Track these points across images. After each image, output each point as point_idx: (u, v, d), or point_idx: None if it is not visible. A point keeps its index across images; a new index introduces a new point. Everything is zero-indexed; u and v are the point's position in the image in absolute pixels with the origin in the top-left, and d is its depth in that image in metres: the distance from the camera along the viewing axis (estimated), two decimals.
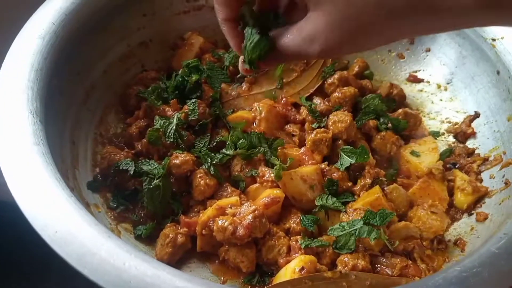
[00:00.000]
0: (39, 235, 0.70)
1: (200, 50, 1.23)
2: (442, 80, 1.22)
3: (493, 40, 1.07)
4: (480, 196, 1.00)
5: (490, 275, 0.70)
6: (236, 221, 0.89)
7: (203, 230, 0.92)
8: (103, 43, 1.11)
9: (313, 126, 1.08)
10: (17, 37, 0.94)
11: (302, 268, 0.84)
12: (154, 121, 1.05)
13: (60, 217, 0.71)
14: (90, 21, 1.05)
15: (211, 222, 0.91)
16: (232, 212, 0.91)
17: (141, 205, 1.00)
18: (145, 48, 1.21)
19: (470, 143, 1.12)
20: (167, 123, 1.03)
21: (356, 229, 0.89)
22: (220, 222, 0.88)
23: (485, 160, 1.07)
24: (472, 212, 0.99)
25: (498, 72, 1.08)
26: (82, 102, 1.05)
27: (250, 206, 0.91)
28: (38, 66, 0.90)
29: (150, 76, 1.17)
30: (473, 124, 1.13)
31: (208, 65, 1.17)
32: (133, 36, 1.18)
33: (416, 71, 1.27)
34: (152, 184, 0.96)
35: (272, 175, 0.96)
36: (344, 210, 0.95)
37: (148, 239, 0.96)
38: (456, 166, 1.09)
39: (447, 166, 1.09)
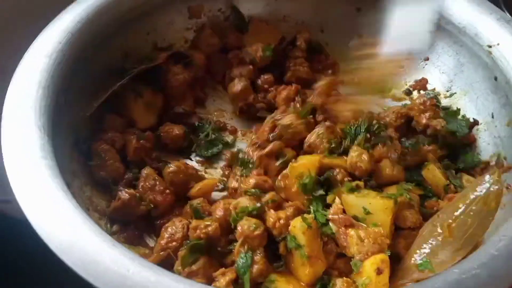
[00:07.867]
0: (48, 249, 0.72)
1: None
2: (441, 88, 1.24)
3: (489, 46, 1.08)
4: None
5: (489, 277, 0.71)
6: None
7: None
8: (107, 60, 1.14)
9: None
10: (25, 56, 0.97)
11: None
12: None
13: (66, 228, 0.74)
14: (95, 40, 1.08)
15: None
16: None
17: None
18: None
19: None
20: None
21: None
22: None
23: (486, 165, 1.07)
24: None
25: (496, 78, 1.09)
26: (87, 116, 1.07)
27: None
28: (45, 84, 0.93)
29: None
30: (474, 130, 1.14)
31: None
32: (136, 53, 1.21)
33: (416, 80, 1.28)
34: None
35: None
36: None
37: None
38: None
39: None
